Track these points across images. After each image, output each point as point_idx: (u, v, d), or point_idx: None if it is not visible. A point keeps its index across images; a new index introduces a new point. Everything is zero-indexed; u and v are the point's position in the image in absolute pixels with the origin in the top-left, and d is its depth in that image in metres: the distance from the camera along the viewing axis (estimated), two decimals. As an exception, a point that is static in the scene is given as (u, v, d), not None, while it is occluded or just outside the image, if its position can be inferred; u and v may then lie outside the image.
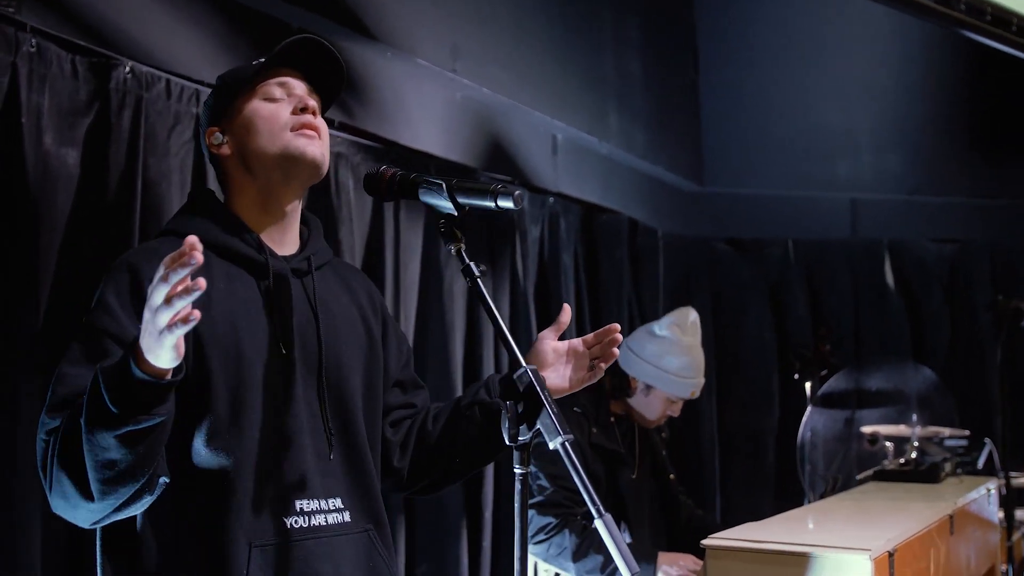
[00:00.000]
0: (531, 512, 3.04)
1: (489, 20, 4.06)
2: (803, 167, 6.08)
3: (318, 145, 1.82)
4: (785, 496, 5.24)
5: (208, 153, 1.89)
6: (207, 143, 1.87)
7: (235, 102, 1.86)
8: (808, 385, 4.31)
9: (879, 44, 6.17)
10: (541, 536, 3.00)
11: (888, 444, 3.87)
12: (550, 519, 3.00)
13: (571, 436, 1.48)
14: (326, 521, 1.75)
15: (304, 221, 1.95)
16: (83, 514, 1.57)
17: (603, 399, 3.25)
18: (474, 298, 4.30)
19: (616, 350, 1.90)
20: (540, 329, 4.51)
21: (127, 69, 2.78)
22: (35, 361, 2.45)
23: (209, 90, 2.91)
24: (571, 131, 4.70)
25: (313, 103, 1.85)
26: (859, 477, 3.72)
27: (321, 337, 1.82)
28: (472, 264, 1.66)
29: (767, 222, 6.06)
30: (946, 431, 4.06)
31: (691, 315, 3.34)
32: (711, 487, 5.73)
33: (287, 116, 1.82)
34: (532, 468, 3.07)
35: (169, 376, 1.47)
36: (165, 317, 1.37)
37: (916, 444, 3.92)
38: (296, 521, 1.71)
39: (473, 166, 4.15)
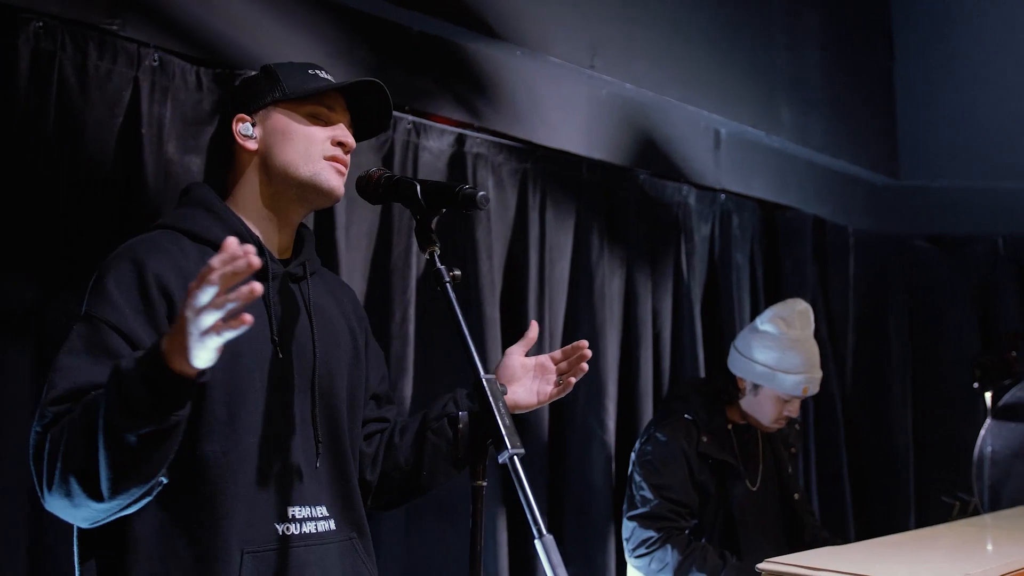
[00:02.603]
0: (633, 524, 2.93)
1: (632, 13, 3.94)
2: (1014, 156, 5.53)
3: (342, 181, 1.84)
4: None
5: (227, 138, 1.86)
6: (233, 129, 1.83)
7: (278, 103, 1.84)
8: (988, 395, 3.92)
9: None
10: (643, 550, 2.89)
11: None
12: (652, 533, 2.88)
13: (521, 450, 1.40)
14: (316, 528, 1.74)
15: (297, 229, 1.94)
16: (85, 512, 1.55)
17: (718, 406, 3.09)
18: (631, 300, 4.21)
19: (585, 365, 1.89)
20: (705, 331, 4.40)
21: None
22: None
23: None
24: (736, 125, 4.50)
25: (353, 142, 1.86)
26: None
27: (316, 342, 1.81)
28: (443, 269, 1.61)
29: (972, 217, 5.56)
30: None
31: (798, 306, 3.13)
32: (905, 501, 5.34)
33: (325, 143, 1.82)
34: (636, 477, 2.99)
35: (196, 376, 1.44)
36: (211, 319, 1.33)
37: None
38: (288, 528, 1.70)
39: (625, 165, 4.06)
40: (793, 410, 3.06)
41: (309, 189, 1.81)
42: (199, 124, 2.79)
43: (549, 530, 3.87)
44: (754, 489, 3.07)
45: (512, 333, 3.69)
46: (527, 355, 1.97)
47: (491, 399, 1.43)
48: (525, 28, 3.46)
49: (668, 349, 4.31)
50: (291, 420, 1.74)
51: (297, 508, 1.71)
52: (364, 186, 1.80)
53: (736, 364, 3.10)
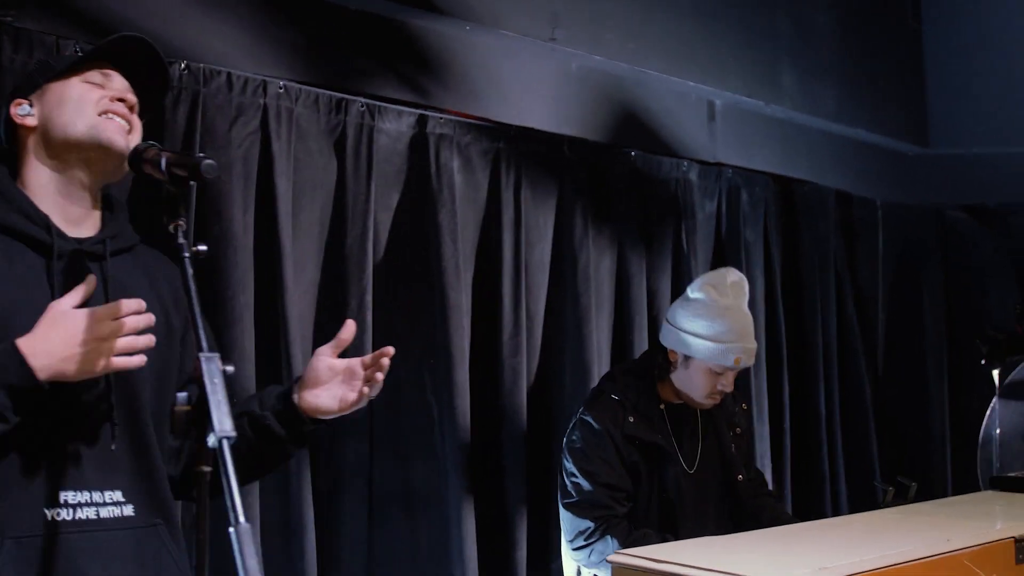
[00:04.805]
0: (568, 514, 2.79)
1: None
2: (1054, 119, 5.18)
3: (125, 137, 1.80)
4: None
5: (7, 124, 1.85)
6: (11, 112, 1.83)
7: (52, 82, 1.83)
8: (996, 373, 3.65)
9: None
10: (580, 541, 2.74)
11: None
12: (588, 523, 2.72)
13: (232, 434, 1.31)
14: (97, 515, 1.69)
15: (108, 205, 1.89)
16: None
17: (649, 385, 2.92)
18: (623, 281, 4.06)
19: (380, 376, 1.80)
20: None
21: (183, 66, 2.86)
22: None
23: (275, 81, 2.97)
24: (731, 96, 4.29)
25: (133, 98, 1.83)
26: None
27: None
28: (185, 244, 1.54)
29: (1011, 185, 5.21)
30: None
31: (730, 275, 2.94)
32: (942, 488, 5.06)
33: (102, 100, 1.80)
34: (567, 465, 2.86)
35: None
36: None
37: None
38: (59, 513, 1.65)
39: (606, 141, 3.90)
40: (727, 384, 2.87)
41: (88, 147, 1.78)
42: (128, 113, 2.75)
43: (537, 521, 3.73)
44: (691, 471, 2.90)
45: (487, 318, 3.59)
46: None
47: (206, 378, 1.34)
48: (471, 2, 3.33)
49: (667, 331, 4.15)
50: (76, 404, 1.69)
51: (71, 493, 1.67)
52: (132, 157, 1.75)
53: (667, 336, 2.93)
